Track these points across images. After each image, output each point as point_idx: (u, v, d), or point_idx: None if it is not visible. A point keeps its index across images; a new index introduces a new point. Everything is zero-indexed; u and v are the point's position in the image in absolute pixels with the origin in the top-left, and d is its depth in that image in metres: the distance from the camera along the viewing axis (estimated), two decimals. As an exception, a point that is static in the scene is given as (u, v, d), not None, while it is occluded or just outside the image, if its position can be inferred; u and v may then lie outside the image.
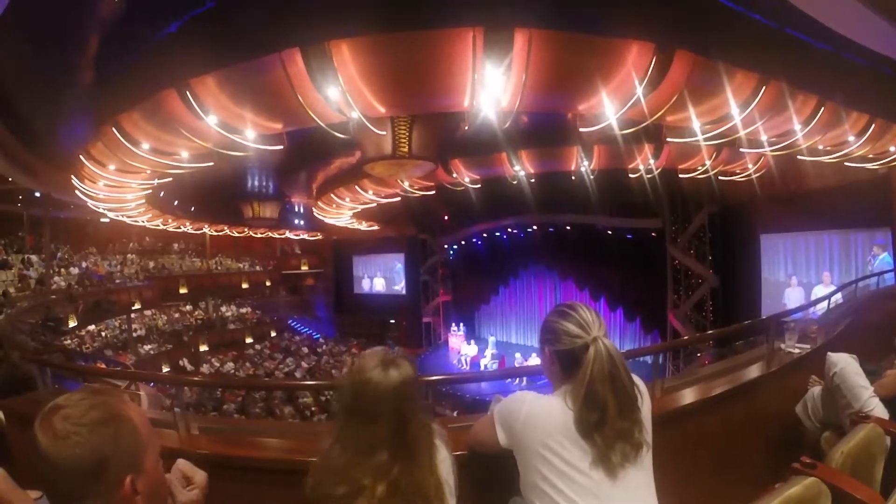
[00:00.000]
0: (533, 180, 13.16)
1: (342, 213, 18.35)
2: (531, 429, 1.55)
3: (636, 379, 1.60)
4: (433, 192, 14.78)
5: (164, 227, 20.71)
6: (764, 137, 8.01)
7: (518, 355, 20.22)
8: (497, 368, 18.85)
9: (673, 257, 16.97)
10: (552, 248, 21.79)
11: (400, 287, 27.02)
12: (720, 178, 12.03)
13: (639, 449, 1.51)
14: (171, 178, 10.53)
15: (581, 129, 8.01)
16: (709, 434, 3.06)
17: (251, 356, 22.18)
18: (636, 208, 16.80)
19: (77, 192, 11.91)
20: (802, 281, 12.75)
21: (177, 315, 23.56)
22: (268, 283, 29.70)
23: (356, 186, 13.94)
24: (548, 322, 1.66)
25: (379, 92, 6.14)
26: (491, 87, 5.79)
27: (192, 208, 19.22)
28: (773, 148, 8.48)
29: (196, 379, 13.29)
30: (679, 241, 16.68)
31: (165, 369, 18.84)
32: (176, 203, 17.70)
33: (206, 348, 22.31)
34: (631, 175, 11.85)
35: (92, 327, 18.12)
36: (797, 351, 3.80)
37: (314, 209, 18.74)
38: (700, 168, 11.11)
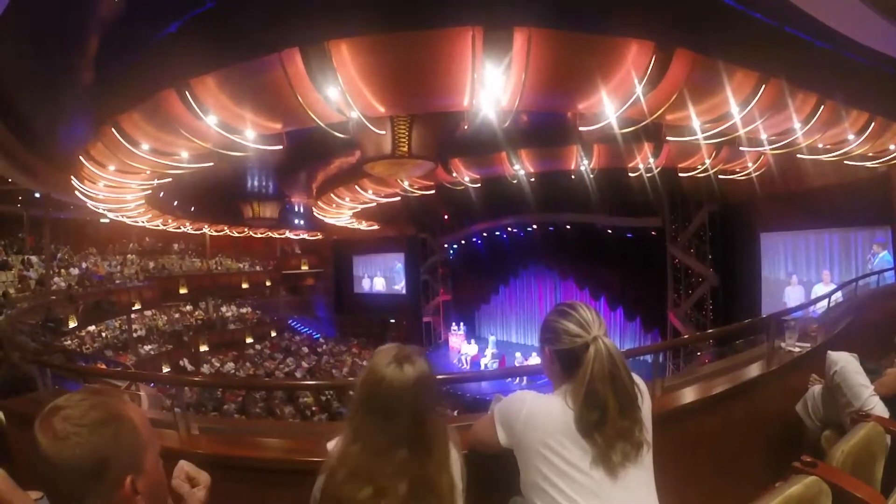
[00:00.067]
0: (533, 179, 13.16)
1: (342, 213, 18.35)
2: (531, 428, 1.55)
3: (636, 378, 1.60)
4: (433, 192, 14.78)
5: (164, 228, 20.71)
6: (764, 136, 8.01)
7: (518, 355, 20.26)
8: (497, 368, 18.84)
9: (673, 256, 16.98)
10: (552, 248, 21.80)
11: (400, 287, 27.02)
12: (720, 176, 12.02)
13: (639, 448, 1.51)
14: (170, 179, 10.53)
15: (581, 128, 8.00)
16: (709, 433, 3.06)
17: (251, 356, 22.20)
18: (636, 207, 16.80)
19: (77, 192, 11.91)
20: (802, 279, 12.74)
21: (177, 315, 23.57)
22: (268, 283, 29.70)
23: (356, 186, 13.93)
24: (548, 321, 1.66)
25: (378, 92, 6.13)
26: (490, 86, 5.79)
27: (192, 208, 19.20)
28: (773, 146, 8.47)
29: (196, 379, 13.27)
30: (679, 240, 16.68)
31: (166, 370, 18.86)
32: (176, 203, 17.69)
33: (207, 348, 22.33)
34: (631, 174, 11.85)
35: (92, 328, 18.12)
36: (797, 350, 3.80)
37: (314, 209, 18.75)
38: (700, 167, 11.10)
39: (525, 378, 14.38)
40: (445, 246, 25.27)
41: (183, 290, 23.89)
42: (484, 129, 8.85)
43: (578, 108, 7.05)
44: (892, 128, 8.46)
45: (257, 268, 29.58)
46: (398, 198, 15.62)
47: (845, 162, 9.75)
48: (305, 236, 27.79)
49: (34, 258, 18.01)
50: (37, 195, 15.87)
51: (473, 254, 24.79)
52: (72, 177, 10.71)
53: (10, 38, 5.55)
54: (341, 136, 7.11)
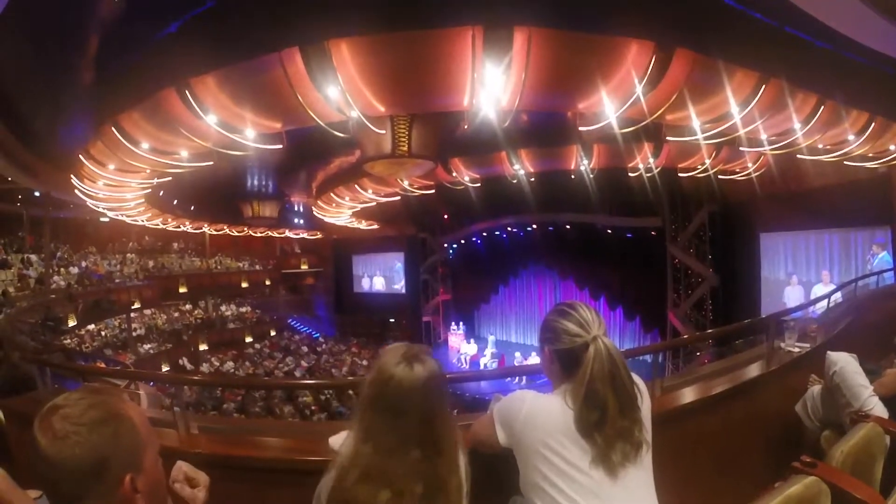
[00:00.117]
0: (533, 179, 13.17)
1: (342, 213, 18.35)
2: (531, 428, 1.54)
3: (636, 378, 1.60)
4: (433, 191, 14.78)
5: (164, 227, 20.71)
6: (764, 136, 8.01)
7: (518, 354, 20.28)
8: (497, 367, 18.85)
9: (673, 256, 16.99)
10: (552, 247, 21.82)
11: (400, 286, 27.01)
12: (720, 176, 12.03)
13: (639, 448, 1.51)
14: (170, 178, 10.53)
15: (581, 128, 8.00)
16: (708, 433, 3.06)
17: (251, 355, 22.21)
18: (636, 207, 16.81)
19: (76, 191, 11.92)
20: (802, 280, 12.75)
21: (176, 314, 23.56)
22: (267, 283, 29.70)
23: (356, 185, 13.93)
24: (547, 321, 1.66)
25: (378, 91, 6.13)
26: (490, 85, 5.78)
27: (192, 207, 19.21)
28: (773, 147, 8.47)
29: (196, 378, 13.27)
30: (679, 240, 16.69)
31: (165, 368, 18.85)
32: (175, 202, 17.69)
33: (206, 347, 22.33)
34: (631, 174, 11.85)
35: (91, 327, 18.11)
36: (797, 350, 3.79)
37: (314, 208, 18.75)
38: (700, 167, 11.11)
39: (524, 378, 14.39)
40: (445, 245, 25.29)
41: (182, 289, 23.88)
42: (484, 129, 8.85)
43: (578, 108, 7.05)
44: (893, 128, 8.46)
45: (257, 267, 29.57)
46: (398, 197, 15.63)
47: (845, 162, 9.75)
48: (305, 235, 27.80)
49: (34, 257, 17.99)
50: (36, 194, 15.87)
51: (473, 253, 24.81)
52: (72, 176, 10.72)
53: (10, 37, 5.54)
54: (341, 135, 7.11)
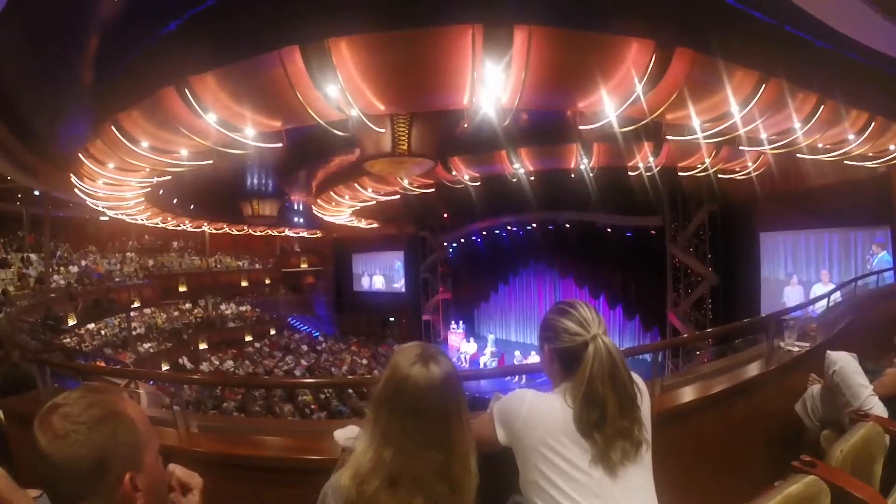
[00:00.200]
0: (533, 178, 13.15)
1: (342, 211, 18.34)
2: (531, 427, 1.54)
3: (636, 377, 1.60)
4: (433, 190, 14.76)
5: (164, 226, 20.70)
6: (764, 135, 8.01)
7: (518, 353, 20.27)
8: (496, 366, 18.85)
9: (673, 255, 16.99)
10: (552, 246, 21.82)
11: (400, 285, 27.04)
12: (720, 176, 12.02)
13: (639, 447, 1.51)
14: (170, 177, 10.52)
15: (581, 127, 7.99)
16: (708, 432, 3.06)
17: (251, 354, 22.25)
18: (636, 206, 16.78)
19: (76, 190, 11.91)
20: (802, 279, 12.76)
21: (176, 313, 23.60)
22: (267, 282, 29.69)
23: (356, 184, 13.92)
24: (547, 320, 1.66)
25: (378, 90, 6.13)
26: (490, 84, 5.78)
27: (192, 206, 19.19)
28: (773, 146, 8.46)
29: (196, 377, 13.27)
30: (679, 240, 16.69)
31: (165, 367, 18.90)
32: (175, 201, 17.69)
33: (206, 346, 22.36)
34: (631, 173, 11.84)
35: (91, 326, 18.14)
36: (797, 349, 3.80)
37: (314, 207, 18.73)
38: (700, 166, 11.09)
39: (524, 377, 14.39)
40: (445, 244, 25.29)
41: (182, 288, 23.87)
42: (484, 128, 8.85)
43: (578, 107, 7.04)
44: (892, 128, 8.46)
45: (257, 266, 29.56)
46: (398, 196, 15.60)
47: (845, 162, 9.75)
48: (305, 234, 27.79)
49: (34, 256, 17.99)
50: (36, 193, 15.84)
51: (473, 252, 24.80)
52: (71, 175, 10.71)
53: (10, 37, 5.54)
54: (341, 134, 7.10)
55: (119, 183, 10.74)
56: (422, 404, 1.38)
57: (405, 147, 8.53)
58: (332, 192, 15.23)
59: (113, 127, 7.35)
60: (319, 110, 6.25)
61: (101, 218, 18.59)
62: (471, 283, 25.57)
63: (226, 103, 6.33)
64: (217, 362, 20.32)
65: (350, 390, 13.67)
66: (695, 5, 5.16)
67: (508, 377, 15.56)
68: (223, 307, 26.12)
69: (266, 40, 5.33)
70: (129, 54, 5.95)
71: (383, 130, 8.12)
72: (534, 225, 21.61)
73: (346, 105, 6.08)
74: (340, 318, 28.74)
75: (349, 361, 20.78)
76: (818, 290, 10.96)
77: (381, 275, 27.87)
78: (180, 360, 20.08)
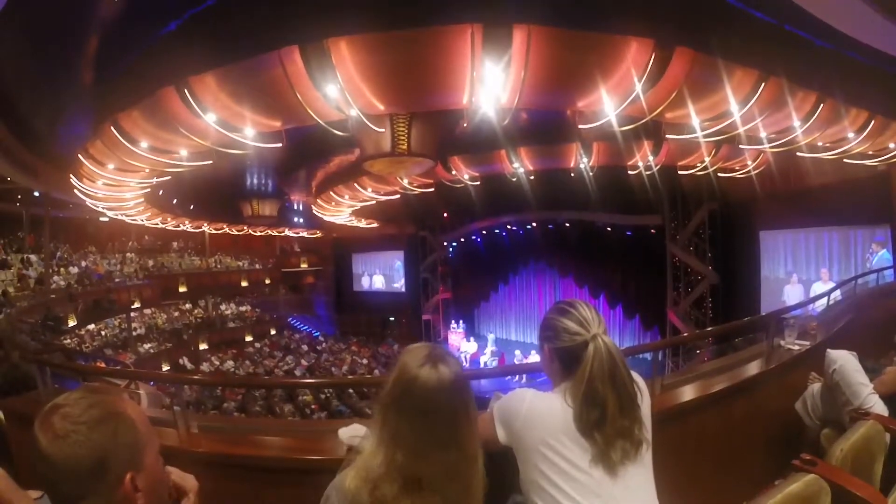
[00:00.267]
0: (532, 177, 13.16)
1: (341, 211, 18.34)
2: (531, 427, 1.54)
3: (636, 376, 1.59)
4: (432, 190, 14.77)
5: (164, 226, 20.72)
6: (763, 134, 8.01)
7: (518, 352, 20.27)
8: (497, 366, 18.85)
9: (673, 254, 16.98)
10: (552, 246, 21.83)
11: (400, 285, 27.04)
12: (720, 174, 12.03)
13: (639, 446, 1.51)
14: (170, 177, 10.52)
15: (580, 126, 8.00)
16: (709, 431, 3.06)
17: (251, 354, 22.25)
18: (636, 205, 16.78)
19: (76, 191, 11.91)
20: (802, 278, 12.76)
21: (176, 314, 23.60)
22: (267, 282, 29.69)
23: (355, 184, 13.92)
24: (547, 319, 1.65)
25: (378, 89, 6.13)
26: (490, 84, 5.78)
27: (192, 207, 19.20)
28: (773, 145, 8.47)
29: (196, 377, 13.27)
30: (679, 239, 16.68)
31: (165, 368, 18.90)
32: (175, 201, 17.70)
33: (206, 347, 22.36)
34: (630, 172, 11.84)
35: (92, 326, 18.14)
36: (797, 348, 3.80)
37: (313, 207, 18.73)
38: (699, 165, 11.10)
39: (524, 376, 14.39)
40: (445, 244, 25.28)
41: (182, 289, 23.86)
42: (483, 127, 8.85)
43: (578, 106, 7.05)
44: (892, 126, 8.46)
45: (257, 266, 29.55)
46: (398, 196, 15.60)
47: (845, 160, 9.75)
48: (305, 234, 27.80)
49: (33, 257, 17.98)
50: (36, 194, 15.85)
51: (473, 252, 24.80)
52: (71, 176, 10.71)
53: (10, 37, 5.54)
54: (340, 134, 7.10)
55: (119, 183, 10.75)
56: (431, 405, 1.37)
57: (405, 147, 8.53)
58: (331, 192, 15.23)
59: (112, 127, 7.35)
60: (319, 110, 6.25)
61: (101, 219, 18.60)
62: (471, 282, 25.56)
63: (225, 103, 6.33)
64: (217, 362, 20.33)
65: (350, 390, 13.68)
66: (694, 4, 5.16)
67: (509, 376, 15.55)
68: (223, 307, 26.12)
69: (266, 40, 5.33)
70: (129, 54, 5.95)
71: (383, 130, 8.12)
72: (534, 224, 21.61)
73: (346, 105, 6.08)
74: (340, 317, 28.74)
75: (349, 361, 20.78)
76: (818, 288, 10.95)
77: (381, 274, 27.88)
78: (180, 361, 20.08)
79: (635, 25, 5.37)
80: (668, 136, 8.87)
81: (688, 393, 3.11)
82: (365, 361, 21.25)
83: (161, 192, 14.33)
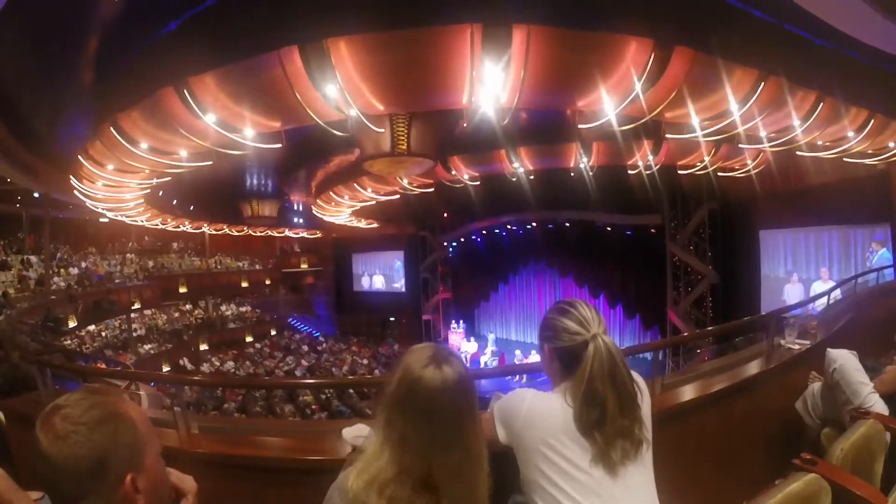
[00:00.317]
0: (532, 177, 13.16)
1: (341, 211, 18.34)
2: (531, 426, 1.55)
3: (636, 376, 1.60)
4: (432, 190, 14.76)
5: (164, 227, 20.70)
6: (763, 133, 8.01)
7: (518, 352, 20.27)
8: (497, 366, 18.86)
9: (673, 254, 16.99)
10: (552, 245, 21.84)
11: (400, 285, 27.04)
12: (720, 174, 12.03)
13: (639, 446, 1.51)
14: (169, 178, 10.52)
15: (580, 126, 7.99)
16: (709, 431, 3.06)
17: (251, 355, 22.25)
18: (636, 205, 16.79)
19: (76, 192, 11.90)
20: (802, 277, 12.75)
21: (177, 314, 23.60)
22: (267, 282, 29.68)
23: (355, 184, 13.91)
24: (547, 319, 1.65)
25: (377, 90, 6.12)
26: (489, 84, 5.77)
27: (192, 207, 19.21)
28: (772, 144, 8.47)
29: (196, 378, 13.28)
30: (679, 238, 16.69)
31: (165, 369, 18.90)
32: (175, 202, 17.69)
33: (206, 347, 22.36)
34: (630, 171, 11.84)
35: (92, 327, 18.13)
36: (797, 347, 3.80)
37: (313, 207, 18.74)
38: (699, 164, 11.09)
39: (525, 376, 14.38)
40: (445, 244, 25.28)
41: (182, 290, 23.85)
42: (483, 127, 8.85)
43: (577, 106, 7.04)
44: (892, 125, 8.46)
45: (257, 266, 29.53)
46: (397, 196, 15.60)
47: (845, 159, 9.75)
48: (305, 235, 27.78)
49: (34, 258, 17.99)
50: (36, 195, 15.85)
51: (473, 252, 24.80)
52: (71, 176, 10.70)
53: (10, 37, 5.54)
54: (340, 134, 7.10)
55: (118, 184, 10.74)
56: (435, 406, 1.36)
57: (404, 147, 8.53)
58: (331, 193, 15.23)
59: (112, 128, 7.34)
60: (318, 110, 6.24)
61: (101, 219, 18.61)
62: (471, 282, 25.57)
63: (225, 104, 6.32)
64: (218, 363, 20.32)
65: (351, 390, 13.68)
66: (694, 4, 5.16)
67: (509, 376, 15.55)
68: (223, 308, 26.13)
69: (265, 40, 5.32)
70: (129, 54, 5.95)
71: (382, 130, 8.12)
72: (533, 224, 21.62)
73: (346, 105, 6.07)
74: (341, 318, 28.74)
75: (350, 361, 20.78)
76: (818, 287, 10.95)
77: (381, 275, 27.88)
78: (181, 362, 20.08)
79: (635, 25, 5.36)
80: (667, 135, 8.87)
81: (688, 392, 3.11)
82: (365, 362, 21.25)
83: (161, 193, 14.32)
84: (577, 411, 1.50)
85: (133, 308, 19.91)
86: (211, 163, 9.00)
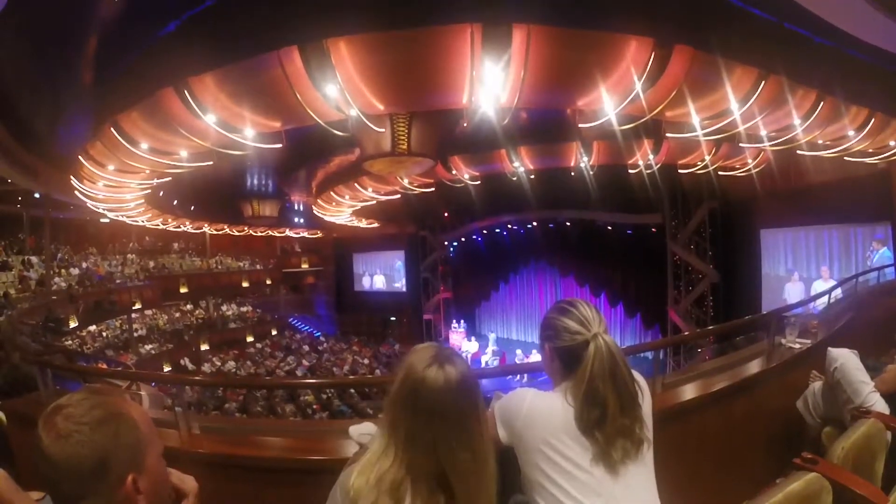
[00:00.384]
0: (532, 177, 13.14)
1: (342, 211, 18.33)
2: (532, 426, 1.55)
3: (637, 375, 1.60)
4: (433, 189, 14.74)
5: (164, 227, 20.71)
6: (763, 132, 8.00)
7: (519, 352, 20.27)
8: (498, 365, 18.86)
9: (673, 253, 16.98)
10: (552, 245, 21.83)
11: (400, 284, 27.04)
12: (720, 173, 12.01)
13: (640, 445, 1.51)
14: (170, 178, 10.52)
15: (580, 125, 7.99)
16: (710, 430, 3.06)
17: (252, 355, 22.26)
18: (636, 204, 16.77)
19: (76, 192, 11.91)
20: (803, 276, 12.75)
21: (177, 314, 23.62)
22: (268, 282, 29.71)
23: (356, 184, 13.90)
24: (548, 319, 1.66)
25: (377, 89, 6.12)
26: (489, 83, 5.77)
27: (192, 207, 19.21)
28: (773, 143, 8.47)
29: (197, 378, 13.29)
30: (679, 237, 16.68)
31: (166, 369, 18.91)
32: (175, 202, 17.69)
33: (207, 347, 22.37)
34: (631, 171, 11.82)
35: (93, 328, 18.15)
36: (798, 346, 3.80)
37: (314, 207, 18.74)
38: (700, 163, 11.08)
39: (526, 375, 14.38)
40: (446, 243, 25.28)
41: (183, 290, 23.88)
42: (483, 127, 8.84)
43: (578, 105, 7.03)
44: (892, 124, 8.45)
45: (258, 266, 29.55)
46: (398, 195, 15.58)
47: (845, 158, 9.74)
48: (305, 234, 27.81)
49: (34, 258, 18.01)
50: (36, 195, 15.86)
51: (474, 251, 24.80)
52: (71, 177, 10.71)
53: (10, 37, 5.55)
54: (340, 134, 7.09)
55: (119, 185, 10.74)
56: (438, 406, 1.35)
57: (405, 146, 8.53)
58: (332, 192, 15.22)
59: (112, 128, 7.34)
60: (319, 110, 6.24)
61: (102, 220, 18.61)
62: (471, 282, 25.57)
63: (225, 104, 6.32)
64: (218, 363, 20.33)
65: (352, 390, 13.69)
66: (694, 3, 5.16)
67: (510, 376, 15.55)
68: (224, 308, 26.14)
69: (265, 40, 5.32)
70: (129, 55, 5.94)
71: (383, 130, 8.11)
72: (534, 223, 21.61)
73: (346, 105, 6.07)
74: (341, 317, 28.75)
75: (350, 361, 20.79)
76: (819, 286, 10.94)
77: (382, 274, 27.87)
78: (182, 362, 20.09)
79: (635, 24, 5.36)
80: (668, 134, 8.87)
81: (689, 392, 3.11)
82: (366, 361, 21.26)
83: (161, 193, 14.33)
84: (577, 411, 1.50)
85: (134, 308, 19.93)
86: (211, 163, 9.01)
